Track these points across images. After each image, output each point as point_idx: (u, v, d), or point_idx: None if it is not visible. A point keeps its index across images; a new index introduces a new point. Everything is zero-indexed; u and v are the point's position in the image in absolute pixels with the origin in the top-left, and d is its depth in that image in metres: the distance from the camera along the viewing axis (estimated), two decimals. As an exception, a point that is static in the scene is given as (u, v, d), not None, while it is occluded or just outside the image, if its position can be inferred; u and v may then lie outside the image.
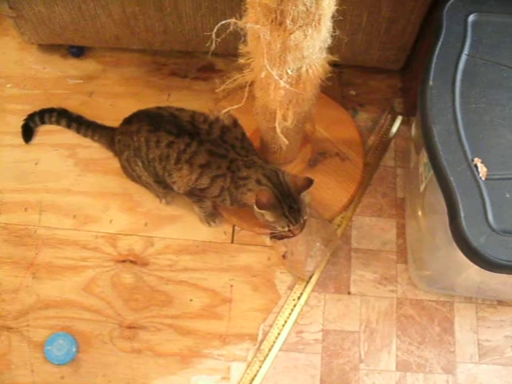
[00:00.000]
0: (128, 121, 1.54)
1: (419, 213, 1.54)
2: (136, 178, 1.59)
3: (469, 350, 1.56)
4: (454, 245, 1.12)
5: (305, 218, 1.42)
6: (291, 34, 1.00)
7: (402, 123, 1.83)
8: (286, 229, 1.41)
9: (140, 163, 1.50)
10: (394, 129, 1.82)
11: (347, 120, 1.80)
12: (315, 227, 1.56)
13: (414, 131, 1.67)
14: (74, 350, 1.55)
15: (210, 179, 1.44)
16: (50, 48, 1.94)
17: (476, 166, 1.12)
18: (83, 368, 1.55)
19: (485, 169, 1.12)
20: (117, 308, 1.60)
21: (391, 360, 1.55)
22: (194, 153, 1.42)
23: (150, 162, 1.48)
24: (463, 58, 1.22)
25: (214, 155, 1.42)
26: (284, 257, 1.57)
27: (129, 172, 1.59)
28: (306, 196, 1.41)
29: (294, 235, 1.44)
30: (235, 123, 1.47)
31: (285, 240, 1.51)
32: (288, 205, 1.38)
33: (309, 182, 1.39)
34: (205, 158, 1.42)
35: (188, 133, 1.43)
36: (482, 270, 1.11)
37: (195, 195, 1.52)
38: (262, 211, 1.37)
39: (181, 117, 1.46)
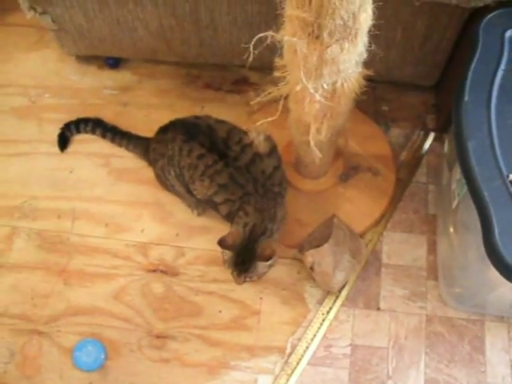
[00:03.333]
0: (164, 130, 1.56)
1: (451, 229, 1.53)
2: (169, 187, 1.61)
3: (501, 370, 1.53)
4: (487, 262, 1.11)
5: (247, 279, 1.45)
6: (328, 47, 1.01)
7: (435, 140, 1.82)
8: (230, 271, 1.45)
9: (173, 172, 1.52)
10: (427, 145, 1.81)
11: (379, 135, 1.79)
12: (342, 239, 1.55)
13: (446, 147, 1.66)
14: (103, 356, 1.56)
15: (223, 199, 1.46)
16: (87, 59, 1.98)
17: (511, 182, 1.11)
18: (111, 375, 1.56)
19: (520, 185, 1.11)
20: (146, 317, 1.62)
21: (419, 377, 1.53)
22: (218, 172, 1.44)
23: (181, 170, 1.50)
24: (499, 73, 1.21)
25: (233, 180, 1.43)
26: (312, 268, 1.56)
27: (162, 181, 1.61)
28: (261, 265, 1.43)
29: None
30: (271, 151, 1.46)
31: (312, 251, 1.52)
32: (242, 259, 1.41)
33: (268, 257, 1.40)
34: (224, 180, 1.43)
35: (218, 151, 1.44)
36: (516, 287, 1.10)
37: (211, 207, 1.55)
38: (222, 249, 1.41)
39: (217, 131, 1.47)
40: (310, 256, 1.53)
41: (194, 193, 1.52)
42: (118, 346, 1.59)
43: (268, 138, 1.45)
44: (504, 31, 1.25)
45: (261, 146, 1.45)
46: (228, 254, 1.42)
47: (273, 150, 1.47)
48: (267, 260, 1.40)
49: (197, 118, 1.53)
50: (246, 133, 1.47)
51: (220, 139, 1.46)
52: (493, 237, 1.07)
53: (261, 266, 1.42)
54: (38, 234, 1.73)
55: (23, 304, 1.64)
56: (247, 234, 1.42)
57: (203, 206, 1.67)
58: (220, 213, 1.53)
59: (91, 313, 1.63)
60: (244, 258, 1.41)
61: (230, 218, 1.49)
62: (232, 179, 1.43)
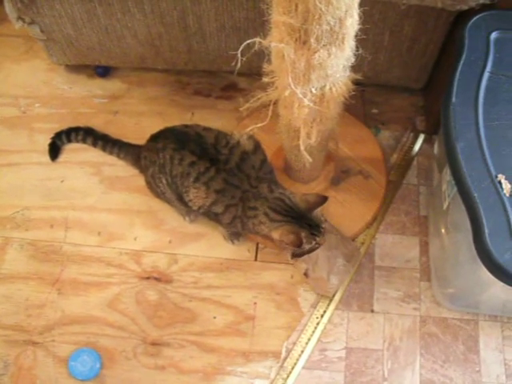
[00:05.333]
0: (154, 138, 1.56)
1: (442, 230, 1.54)
2: (160, 195, 1.61)
3: (495, 369, 1.54)
4: (478, 262, 1.12)
5: (324, 225, 1.42)
6: (315, 52, 1.02)
7: (425, 141, 1.84)
8: (314, 243, 1.41)
9: (164, 180, 1.52)
10: (417, 147, 1.82)
11: (369, 138, 1.80)
12: (335, 243, 1.56)
13: (436, 149, 1.67)
14: (98, 365, 1.56)
15: (223, 207, 1.46)
16: (76, 68, 1.98)
17: (500, 182, 1.12)
18: (107, 384, 1.56)
19: (509, 185, 1.12)
20: (141, 324, 1.61)
21: (415, 378, 1.53)
22: (212, 178, 1.44)
23: (173, 179, 1.50)
24: (486, 75, 1.22)
25: (228, 184, 1.43)
26: (306, 275, 1.57)
27: (153, 188, 1.61)
28: (317, 211, 1.41)
29: (320, 245, 1.43)
30: (256, 148, 1.47)
31: (305, 257, 1.51)
32: (307, 224, 1.38)
33: (322, 199, 1.38)
34: (220, 185, 1.43)
35: (209, 157, 1.44)
36: (507, 286, 1.11)
37: (211, 218, 1.55)
38: (302, 248, 1.38)
39: (206, 138, 1.48)
40: (304, 262, 1.53)
41: (190, 204, 1.52)
42: (113, 355, 1.58)
43: (251, 137, 1.46)
44: (489, 33, 1.27)
45: (245, 144, 1.46)
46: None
47: (257, 146, 1.48)
48: (322, 202, 1.38)
49: (186, 126, 1.54)
50: (230, 135, 1.49)
51: (210, 145, 1.46)
52: (483, 237, 1.08)
53: (319, 211, 1.40)
54: (30, 244, 1.73)
55: (17, 314, 1.63)
56: (284, 216, 1.39)
57: (195, 213, 1.67)
58: (222, 222, 1.52)
59: (86, 322, 1.62)
60: (308, 225, 1.38)
61: (235, 223, 1.48)
62: (227, 183, 1.43)
